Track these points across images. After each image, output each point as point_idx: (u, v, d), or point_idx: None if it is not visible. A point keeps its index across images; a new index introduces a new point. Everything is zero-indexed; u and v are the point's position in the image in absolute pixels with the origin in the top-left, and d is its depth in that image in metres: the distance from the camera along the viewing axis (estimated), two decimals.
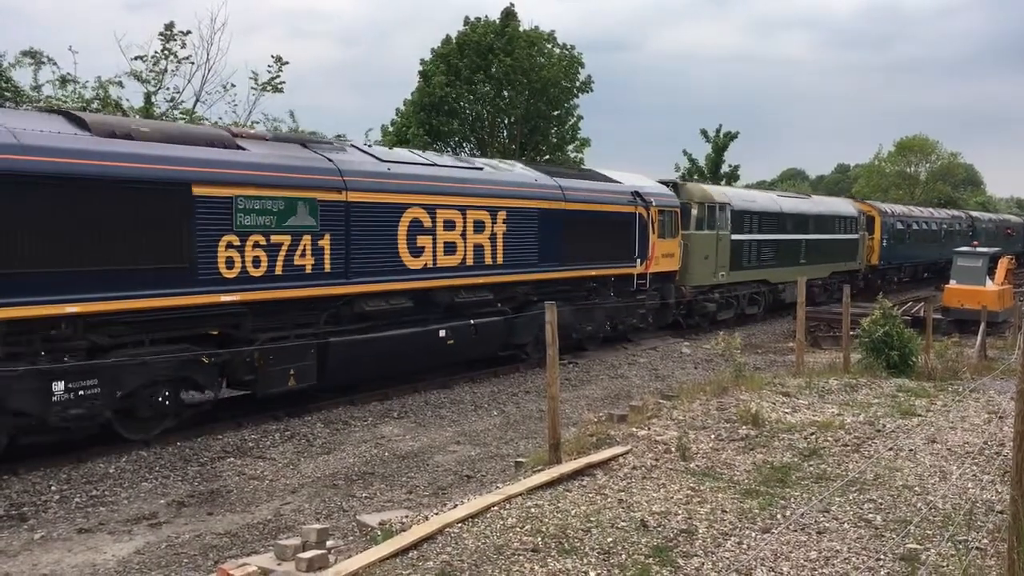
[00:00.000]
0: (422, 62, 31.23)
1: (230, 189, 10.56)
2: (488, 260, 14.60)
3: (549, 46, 31.70)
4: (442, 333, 13.74)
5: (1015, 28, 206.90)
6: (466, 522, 6.09)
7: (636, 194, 18.65)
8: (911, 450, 8.21)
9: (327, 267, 11.80)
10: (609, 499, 6.67)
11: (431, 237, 13.45)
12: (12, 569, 6.94)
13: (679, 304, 20.92)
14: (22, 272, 8.72)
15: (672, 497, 6.75)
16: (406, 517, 6.39)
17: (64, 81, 17.59)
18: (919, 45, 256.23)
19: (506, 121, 31.94)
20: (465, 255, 14.11)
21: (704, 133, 38.69)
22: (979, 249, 23.59)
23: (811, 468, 7.65)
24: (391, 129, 31.01)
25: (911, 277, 37.19)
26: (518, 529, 5.97)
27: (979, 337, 16.99)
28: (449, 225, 13.79)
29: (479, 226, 14.39)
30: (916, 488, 7.06)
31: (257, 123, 20.43)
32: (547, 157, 30.94)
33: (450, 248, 13.83)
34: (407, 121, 30.50)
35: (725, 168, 38.63)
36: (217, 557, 7.12)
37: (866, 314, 14.52)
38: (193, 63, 18.92)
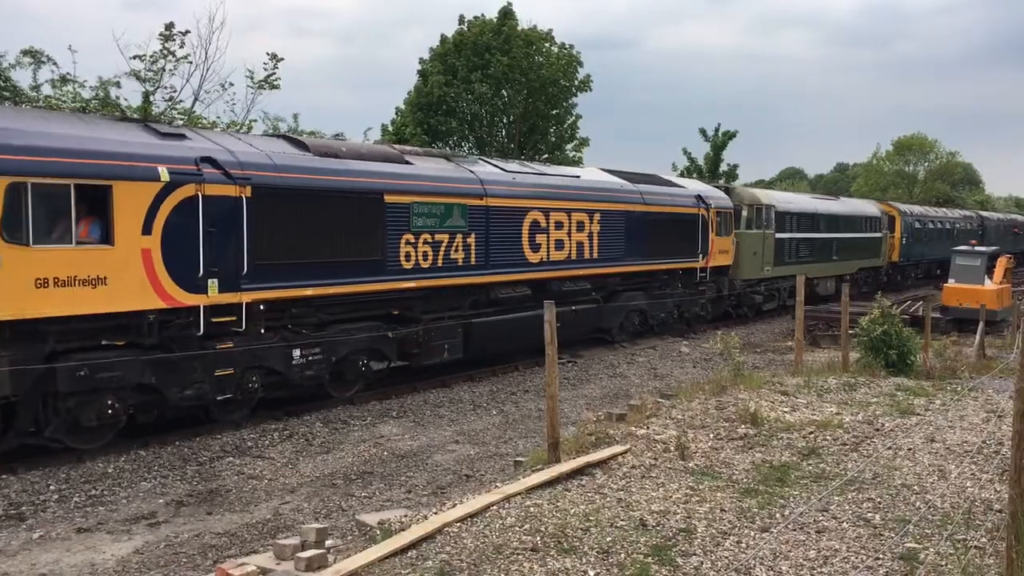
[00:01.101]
0: (420, 61, 31.22)
1: (408, 197, 13.25)
2: (587, 255, 17.30)
3: (547, 45, 31.64)
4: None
5: (1014, 28, 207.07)
6: (465, 521, 6.09)
7: (699, 197, 21.19)
8: (910, 449, 8.22)
9: (473, 261, 14.47)
10: (608, 498, 6.67)
11: (546, 235, 16.16)
12: (11, 569, 6.94)
13: (730, 295, 23.17)
14: (277, 263, 11.31)
15: (671, 496, 6.75)
16: (405, 516, 6.39)
17: (64, 80, 17.55)
18: (918, 44, 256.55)
19: (504, 120, 31.90)
20: (570, 251, 16.84)
21: (703, 132, 38.59)
22: (978, 248, 23.57)
23: (810, 467, 7.66)
24: (390, 129, 30.99)
25: (926, 273, 38.42)
26: (517, 528, 5.97)
27: (978, 336, 16.98)
28: (559, 225, 16.49)
29: (580, 226, 17.08)
30: (915, 487, 7.06)
31: (255, 122, 20.42)
32: (545, 156, 30.90)
33: (559, 245, 16.54)
34: (405, 120, 30.49)
35: (724, 167, 38.54)
36: (216, 557, 7.12)
37: (864, 313, 14.51)
38: (191, 62, 18.85)
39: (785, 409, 9.89)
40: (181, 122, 18.80)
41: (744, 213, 23.71)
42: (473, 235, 14.38)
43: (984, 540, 5.85)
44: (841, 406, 10.16)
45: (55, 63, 17.35)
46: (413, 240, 13.24)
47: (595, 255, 17.43)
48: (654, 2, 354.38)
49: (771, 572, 5.38)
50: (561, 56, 31.54)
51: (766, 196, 25.64)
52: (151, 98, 18.37)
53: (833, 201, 31.55)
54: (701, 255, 21.03)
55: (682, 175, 34.96)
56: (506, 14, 31.20)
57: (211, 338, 10.71)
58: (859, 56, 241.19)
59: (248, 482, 9.28)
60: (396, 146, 15.37)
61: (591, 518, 6.18)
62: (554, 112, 32.18)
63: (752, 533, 6.02)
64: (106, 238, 9.59)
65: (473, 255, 14.40)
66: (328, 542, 6.10)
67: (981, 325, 17.27)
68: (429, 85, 29.60)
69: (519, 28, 31.03)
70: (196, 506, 8.56)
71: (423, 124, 29.71)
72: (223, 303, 10.70)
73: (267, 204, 11.08)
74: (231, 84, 19.43)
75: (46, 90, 17.37)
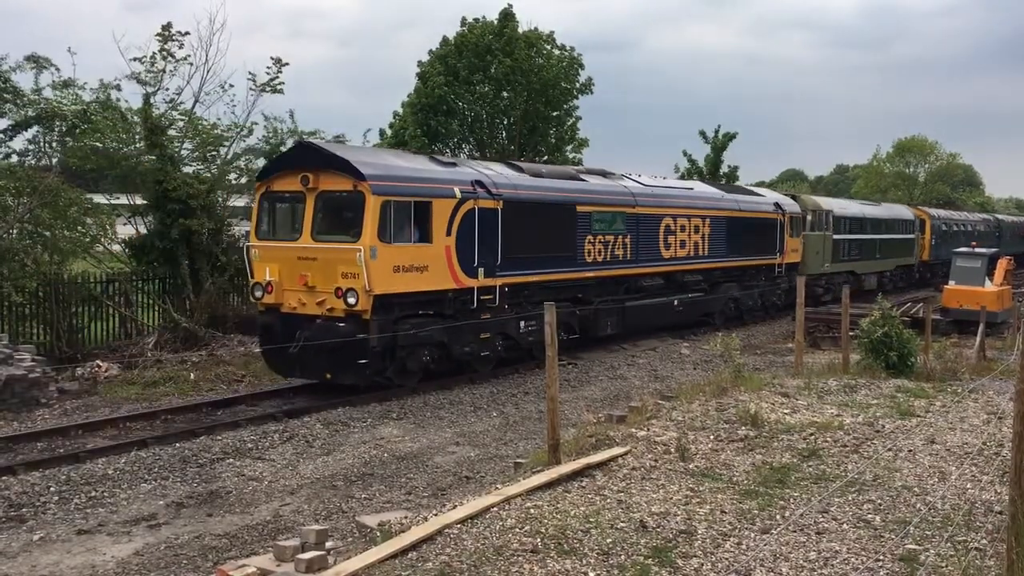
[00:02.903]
0: (419, 64, 31.19)
1: (589, 207, 17.25)
2: (700, 252, 21.13)
3: (548, 47, 31.61)
4: (675, 302, 20.19)
5: (1013, 30, 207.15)
6: (465, 523, 6.09)
7: (776, 204, 25.12)
8: (910, 451, 8.22)
9: (628, 256, 18.37)
10: (608, 500, 6.67)
11: (674, 237, 19.97)
12: (11, 571, 6.94)
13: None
14: (516, 257, 15.16)
15: (671, 498, 6.75)
16: (405, 518, 6.39)
17: (66, 84, 17.57)
18: (918, 45, 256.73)
19: (505, 122, 31.87)
20: (689, 249, 20.65)
21: (703, 134, 38.46)
22: (978, 250, 23.55)
23: (810, 469, 7.66)
24: (389, 132, 30.94)
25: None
26: (517, 530, 5.97)
27: (978, 337, 16.96)
28: (682, 228, 20.29)
29: (696, 229, 20.91)
30: (915, 489, 7.07)
31: (255, 124, 20.36)
32: (545, 158, 30.84)
33: (683, 244, 20.36)
34: (404, 123, 30.45)
35: (724, 169, 38.46)
36: (216, 558, 7.12)
37: (865, 315, 14.49)
38: (191, 63, 18.82)
39: (785, 411, 9.89)
40: (182, 123, 18.88)
41: (808, 217, 27.25)
42: (629, 236, 18.23)
43: (985, 542, 5.85)
44: (841, 408, 10.16)
45: (56, 67, 17.40)
46: (592, 240, 17.17)
47: (706, 252, 21.26)
48: (653, 4, 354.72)
49: (771, 574, 5.38)
50: (562, 58, 31.50)
51: (826, 203, 29.90)
52: (151, 100, 18.39)
53: (876, 206, 35.75)
54: (778, 253, 24.92)
55: (683, 177, 34.94)
56: (507, 16, 31.17)
57: (477, 311, 14.49)
58: (858, 58, 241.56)
59: (248, 484, 9.28)
60: (570, 167, 20.69)
61: (591, 519, 6.18)
62: (554, 114, 32.14)
63: (752, 535, 6.02)
64: (427, 238, 13.49)
65: (629, 252, 18.28)
66: (328, 543, 6.10)
67: (981, 327, 17.25)
68: (428, 86, 29.57)
69: (520, 30, 30.99)
70: (196, 508, 8.56)
71: (423, 126, 29.67)
72: (486, 285, 14.57)
73: (511, 214, 14.93)
74: (231, 86, 19.42)
75: (47, 93, 17.39)
